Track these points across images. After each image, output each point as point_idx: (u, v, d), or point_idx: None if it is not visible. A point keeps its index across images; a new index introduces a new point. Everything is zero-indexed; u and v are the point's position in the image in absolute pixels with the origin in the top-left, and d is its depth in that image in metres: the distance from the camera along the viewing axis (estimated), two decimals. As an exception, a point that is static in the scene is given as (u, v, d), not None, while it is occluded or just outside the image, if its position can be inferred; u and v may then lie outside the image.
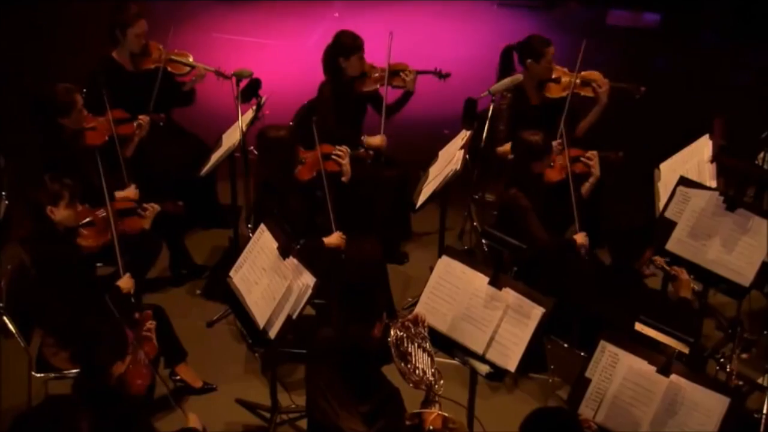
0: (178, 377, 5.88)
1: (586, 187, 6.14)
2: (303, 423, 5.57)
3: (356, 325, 4.46)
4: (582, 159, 6.11)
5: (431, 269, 6.72)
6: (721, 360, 5.38)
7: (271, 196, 5.89)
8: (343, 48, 6.70)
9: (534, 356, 4.88)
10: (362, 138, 6.82)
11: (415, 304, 6.32)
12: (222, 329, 6.42)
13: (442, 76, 7.00)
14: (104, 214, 5.57)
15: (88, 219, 5.52)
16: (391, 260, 6.78)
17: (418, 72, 6.89)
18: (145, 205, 5.78)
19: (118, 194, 6.09)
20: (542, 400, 5.42)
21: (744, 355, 5.61)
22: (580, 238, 5.83)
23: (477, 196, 6.80)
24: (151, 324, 4.97)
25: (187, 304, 6.65)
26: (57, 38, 10.05)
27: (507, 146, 6.59)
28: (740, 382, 5.23)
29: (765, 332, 5.96)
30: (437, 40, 10.10)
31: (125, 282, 5.50)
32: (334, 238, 5.94)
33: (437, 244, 6.59)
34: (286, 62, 9.64)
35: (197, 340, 6.20)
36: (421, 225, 7.17)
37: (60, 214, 5.30)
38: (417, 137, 7.93)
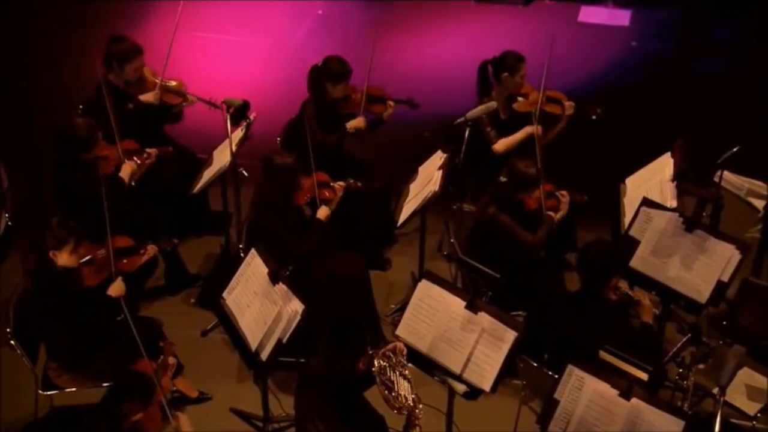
0: (175, 389, 6.18)
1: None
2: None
3: (343, 361, 4.84)
4: (556, 194, 6.51)
5: (413, 275, 7.16)
6: (680, 370, 5.77)
7: (272, 215, 6.28)
8: (332, 75, 7.02)
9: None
10: (346, 125, 7.17)
11: (398, 311, 6.80)
12: (216, 338, 6.73)
13: (413, 106, 7.36)
14: (104, 253, 5.83)
15: (88, 257, 5.79)
16: (375, 267, 7.13)
17: (394, 101, 7.26)
18: (142, 250, 6.07)
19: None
20: (517, 407, 5.80)
21: (701, 366, 6.01)
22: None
23: (455, 207, 7.16)
24: (172, 360, 5.27)
25: (182, 313, 6.97)
26: (50, 40, 10.23)
27: (501, 144, 7.05)
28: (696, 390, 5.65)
29: (720, 342, 6.36)
30: (419, 38, 10.31)
31: (116, 288, 5.74)
32: (323, 211, 6.39)
33: (418, 251, 6.93)
34: (270, 61, 9.85)
35: (192, 350, 6.51)
36: (403, 231, 7.41)
37: (63, 259, 5.58)
38: (398, 139, 8.21)
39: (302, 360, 5.46)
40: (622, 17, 10.42)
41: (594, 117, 7.07)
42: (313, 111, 7.06)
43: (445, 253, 7.39)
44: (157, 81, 7.16)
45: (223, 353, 6.61)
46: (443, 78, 9.24)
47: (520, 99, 7.16)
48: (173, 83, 7.29)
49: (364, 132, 7.24)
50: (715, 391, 5.29)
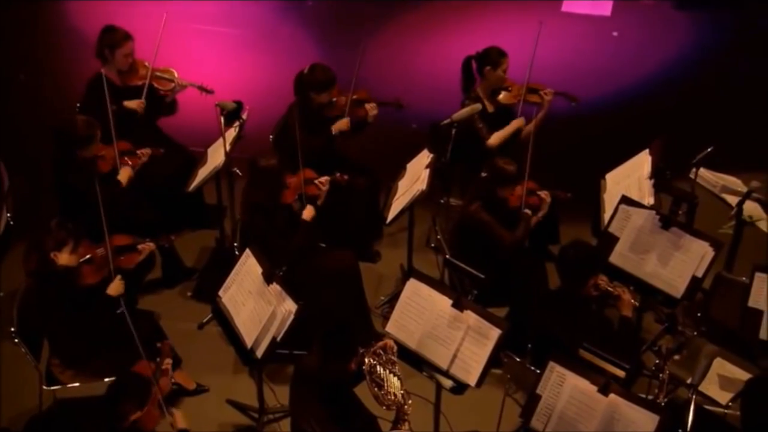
0: (174, 381, 6.26)
1: (533, 220, 6.76)
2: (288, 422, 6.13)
3: (335, 364, 5.06)
4: (537, 193, 6.75)
5: (402, 267, 7.38)
6: (657, 361, 6.02)
7: (260, 217, 6.46)
8: (317, 84, 7.17)
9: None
10: (331, 127, 7.33)
11: (387, 303, 7.03)
12: (212, 331, 6.87)
13: (399, 107, 7.57)
14: (103, 252, 6.04)
15: (87, 256, 5.99)
16: (364, 259, 7.33)
17: (380, 103, 7.44)
18: (139, 247, 6.28)
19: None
20: (502, 397, 6.04)
21: (676, 357, 6.27)
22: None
23: (442, 201, 7.39)
24: (168, 362, 5.48)
25: (179, 306, 7.14)
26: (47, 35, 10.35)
27: (495, 138, 7.32)
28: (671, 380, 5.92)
29: (695, 333, 6.63)
30: (408, 35, 10.42)
31: (115, 287, 5.95)
32: (308, 212, 6.57)
33: (407, 243, 7.09)
34: (260, 53, 9.96)
35: (189, 342, 6.71)
36: (391, 224, 7.60)
37: (63, 259, 5.78)
38: (387, 136, 8.37)
39: (296, 352, 5.69)
40: (603, 7, 10.63)
41: (574, 103, 7.43)
42: (298, 116, 7.13)
43: (433, 245, 7.65)
44: (147, 69, 7.36)
45: (219, 346, 6.75)
46: (431, 75, 9.40)
47: (504, 92, 7.43)
48: (166, 75, 7.49)
49: (350, 133, 7.41)
50: (689, 381, 5.58)
